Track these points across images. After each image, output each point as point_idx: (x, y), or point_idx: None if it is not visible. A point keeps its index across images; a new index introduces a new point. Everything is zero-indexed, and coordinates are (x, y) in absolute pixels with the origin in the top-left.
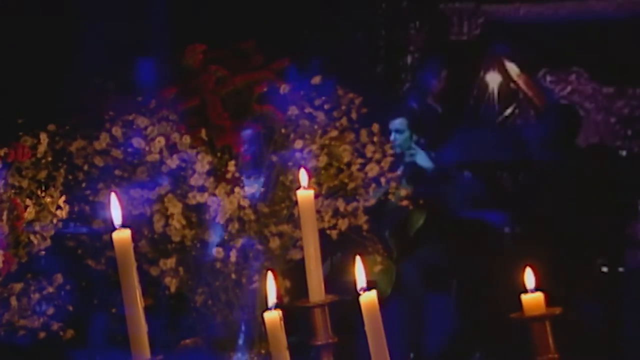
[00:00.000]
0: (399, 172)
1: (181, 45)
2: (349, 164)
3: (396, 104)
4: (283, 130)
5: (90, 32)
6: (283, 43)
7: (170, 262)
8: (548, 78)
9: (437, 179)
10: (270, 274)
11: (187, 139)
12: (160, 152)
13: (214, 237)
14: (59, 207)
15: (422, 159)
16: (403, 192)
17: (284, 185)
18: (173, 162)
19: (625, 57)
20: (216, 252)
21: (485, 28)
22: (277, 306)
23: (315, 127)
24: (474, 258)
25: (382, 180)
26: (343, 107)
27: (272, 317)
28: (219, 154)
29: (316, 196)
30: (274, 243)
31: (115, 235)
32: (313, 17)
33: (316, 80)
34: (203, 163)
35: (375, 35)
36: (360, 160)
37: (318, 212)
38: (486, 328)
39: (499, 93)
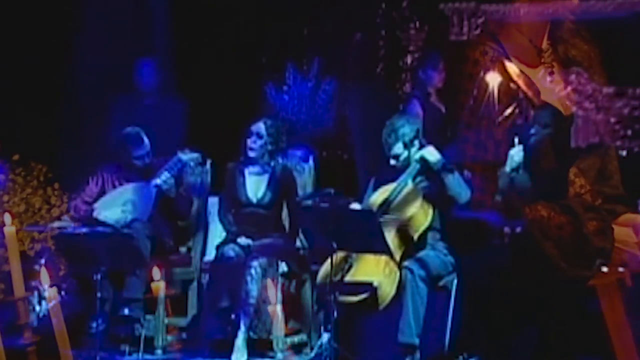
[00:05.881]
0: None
1: None
2: (39, 209)
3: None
4: None
5: None
6: (283, 43)
7: None
8: (548, 78)
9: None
10: None
11: None
12: None
13: None
14: None
15: (431, 154)
16: None
17: None
18: None
19: (625, 57)
20: None
21: (485, 28)
22: None
23: (16, 186)
24: (474, 258)
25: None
26: (34, 173)
27: None
28: None
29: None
30: None
31: None
32: (313, 17)
33: (15, 157)
34: None
35: (375, 35)
36: (47, 207)
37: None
38: (486, 328)
39: (499, 93)
